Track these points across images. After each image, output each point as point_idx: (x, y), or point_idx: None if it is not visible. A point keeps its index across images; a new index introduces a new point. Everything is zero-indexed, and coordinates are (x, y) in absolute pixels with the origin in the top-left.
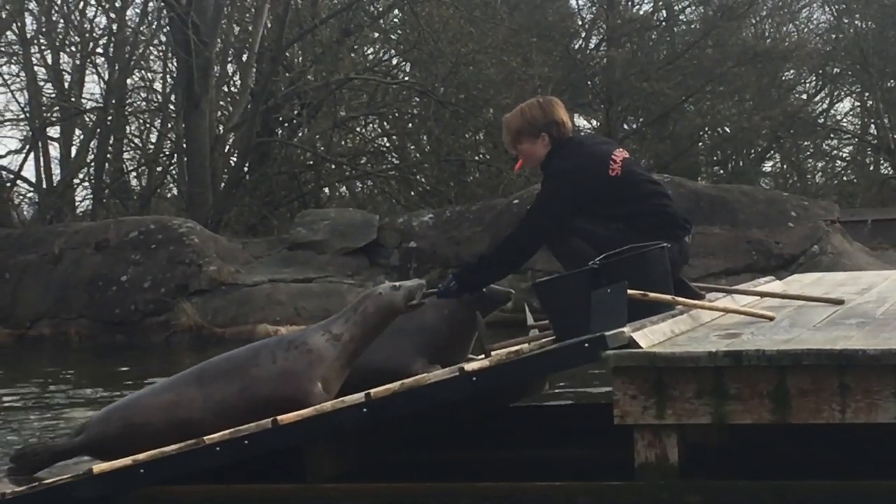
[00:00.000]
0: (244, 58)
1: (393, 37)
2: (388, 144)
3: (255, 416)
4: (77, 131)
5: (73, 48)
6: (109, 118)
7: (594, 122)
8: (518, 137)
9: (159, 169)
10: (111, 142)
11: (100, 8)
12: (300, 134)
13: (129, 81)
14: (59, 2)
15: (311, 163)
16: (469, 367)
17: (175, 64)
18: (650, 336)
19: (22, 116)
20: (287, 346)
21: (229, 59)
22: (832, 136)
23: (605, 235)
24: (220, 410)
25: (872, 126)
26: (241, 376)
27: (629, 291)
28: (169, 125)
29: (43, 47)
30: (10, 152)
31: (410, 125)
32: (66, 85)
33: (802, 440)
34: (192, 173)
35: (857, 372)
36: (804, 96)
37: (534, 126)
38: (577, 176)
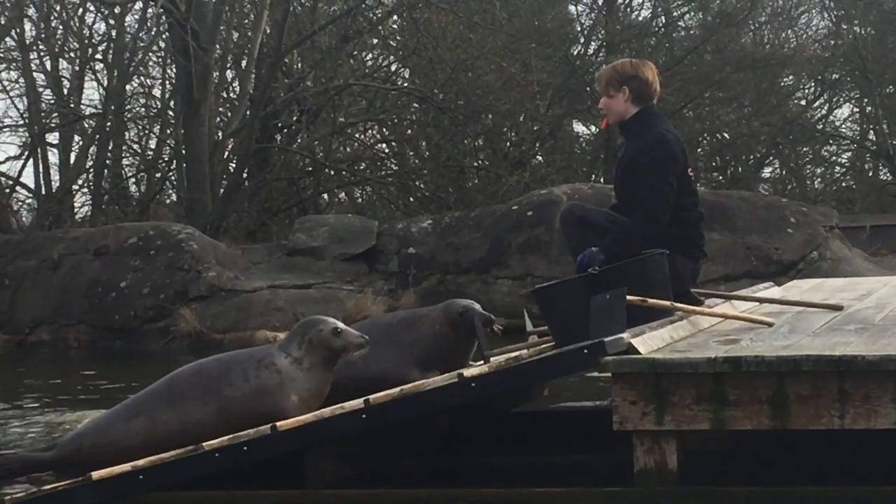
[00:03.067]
0: (243, 64)
1: (392, 43)
2: (387, 150)
3: (231, 432)
4: (76, 137)
5: (73, 54)
6: (108, 124)
7: (593, 128)
8: (606, 88)
9: (158, 175)
10: (110, 148)
11: (99, 14)
12: (299, 140)
13: (128, 87)
14: (58, 8)
15: (310, 169)
16: (468, 372)
17: (174, 70)
18: (649, 342)
19: (21, 122)
20: (257, 364)
21: (228, 65)
22: (831, 142)
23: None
24: (197, 431)
25: (871, 132)
26: (217, 396)
27: (628, 297)
28: (168, 131)
29: (42, 53)
30: (9, 158)
31: (409, 131)
32: (66, 91)
33: (802, 446)
34: (191, 179)
35: (856, 378)
36: (803, 102)
37: (620, 76)
38: (678, 151)
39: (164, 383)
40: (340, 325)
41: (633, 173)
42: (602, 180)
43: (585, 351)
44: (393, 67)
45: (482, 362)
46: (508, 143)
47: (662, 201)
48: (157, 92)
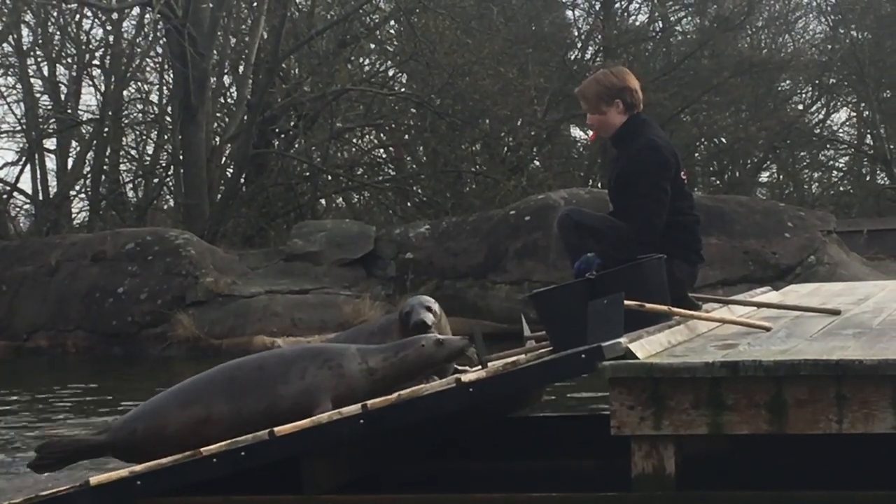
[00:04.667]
0: (240, 69)
1: (389, 48)
2: (384, 155)
3: None
4: (74, 143)
5: (70, 60)
6: (106, 130)
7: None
8: (597, 105)
9: (156, 180)
10: (108, 153)
11: (96, 20)
12: (297, 145)
13: (125, 93)
14: (55, 14)
15: (308, 174)
16: (466, 378)
17: (171, 75)
18: (647, 347)
19: (18, 128)
20: (321, 363)
21: (226, 70)
22: (828, 146)
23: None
24: (246, 426)
25: (869, 136)
26: (270, 394)
27: (626, 302)
28: (165, 137)
29: (39, 59)
30: (6, 164)
31: (407, 136)
32: (63, 97)
33: (800, 450)
34: (188, 185)
35: (854, 382)
36: (800, 107)
37: (611, 90)
38: (671, 156)
39: (226, 373)
40: (440, 336)
41: (627, 182)
42: (599, 185)
43: (583, 356)
44: (390, 73)
45: (480, 367)
46: (506, 148)
47: (658, 206)
48: (154, 97)
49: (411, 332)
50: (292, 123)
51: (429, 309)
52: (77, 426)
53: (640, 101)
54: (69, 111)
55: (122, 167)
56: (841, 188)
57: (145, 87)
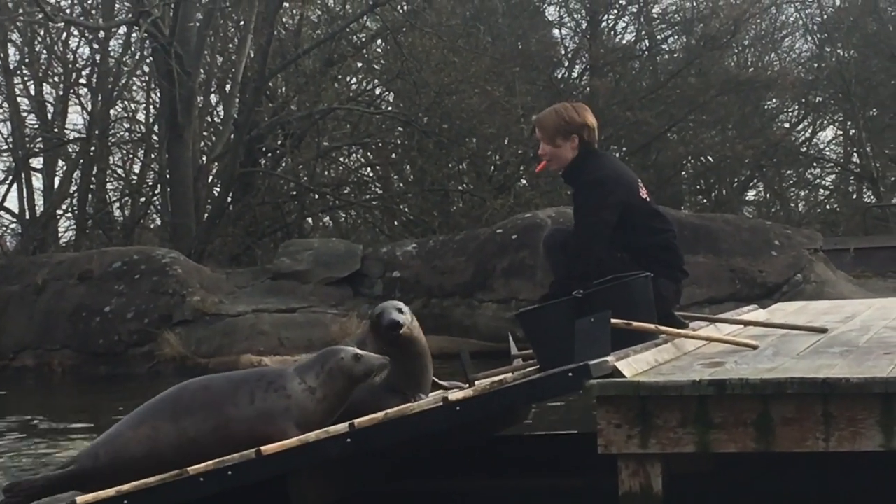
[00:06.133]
0: (227, 88)
1: (376, 67)
2: (371, 174)
3: (229, 452)
4: (60, 162)
5: (57, 79)
6: (93, 149)
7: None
8: (553, 137)
9: (143, 199)
10: (94, 172)
11: (83, 38)
12: (283, 164)
13: (112, 112)
14: (42, 32)
15: (295, 193)
16: (453, 396)
17: (158, 94)
18: (634, 365)
19: (5, 147)
20: (266, 386)
21: (212, 89)
22: (815, 164)
23: (605, 262)
24: (194, 447)
25: (855, 154)
26: (217, 414)
27: (613, 320)
28: (152, 155)
29: (26, 78)
30: None
31: (394, 155)
32: (50, 115)
33: (786, 469)
34: (175, 203)
35: (840, 400)
36: (787, 125)
37: (570, 126)
38: (616, 186)
39: (173, 393)
40: (360, 351)
41: (574, 214)
42: None
43: (570, 374)
44: (377, 91)
45: (467, 386)
46: (493, 167)
47: (588, 242)
48: (141, 116)
49: (385, 333)
50: (279, 142)
51: (400, 311)
52: (64, 446)
53: (595, 139)
54: (56, 130)
55: (109, 186)
56: (827, 206)
57: (132, 105)
